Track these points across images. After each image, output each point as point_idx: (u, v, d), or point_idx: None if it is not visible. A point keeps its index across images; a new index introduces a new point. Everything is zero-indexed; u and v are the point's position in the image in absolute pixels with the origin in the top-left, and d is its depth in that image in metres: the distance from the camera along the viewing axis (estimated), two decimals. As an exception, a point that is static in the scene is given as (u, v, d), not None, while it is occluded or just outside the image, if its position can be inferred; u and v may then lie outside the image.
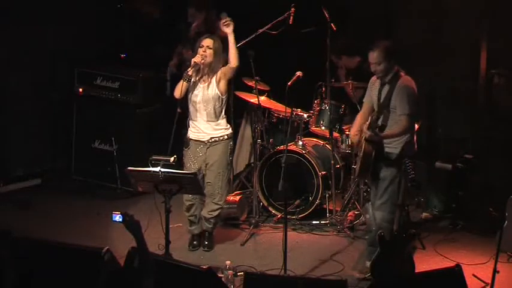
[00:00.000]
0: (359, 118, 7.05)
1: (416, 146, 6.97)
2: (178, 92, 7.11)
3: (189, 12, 8.64)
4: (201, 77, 7.19)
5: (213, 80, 7.17)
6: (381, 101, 6.78)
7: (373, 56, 6.73)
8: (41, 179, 9.08)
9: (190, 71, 7.06)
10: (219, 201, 7.41)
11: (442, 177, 8.40)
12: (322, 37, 8.02)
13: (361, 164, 6.83)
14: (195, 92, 7.20)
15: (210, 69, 7.15)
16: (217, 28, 7.61)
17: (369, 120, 6.75)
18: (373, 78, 6.96)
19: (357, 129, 6.97)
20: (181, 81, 7.08)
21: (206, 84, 7.19)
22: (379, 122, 6.72)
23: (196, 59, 7.06)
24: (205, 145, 7.28)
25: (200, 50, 7.09)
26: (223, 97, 7.22)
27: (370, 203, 7.19)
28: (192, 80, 7.09)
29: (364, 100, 7.13)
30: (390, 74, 6.75)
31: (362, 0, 9.15)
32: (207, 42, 7.09)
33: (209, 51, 7.07)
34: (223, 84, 7.19)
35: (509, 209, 7.21)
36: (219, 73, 7.17)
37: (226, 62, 7.19)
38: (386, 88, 6.79)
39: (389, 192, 6.77)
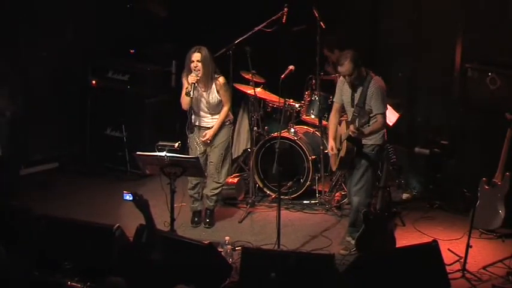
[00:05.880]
0: (333, 119, 7.00)
1: (386, 136, 6.95)
2: (184, 106, 7.19)
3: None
4: (201, 83, 7.15)
5: (213, 87, 7.17)
6: (355, 101, 6.73)
7: (344, 69, 6.64)
8: (58, 162, 9.05)
9: (189, 88, 7.03)
10: (219, 180, 7.40)
11: (421, 161, 8.40)
12: (312, 34, 7.97)
13: (342, 159, 6.80)
14: (198, 96, 7.18)
15: (206, 77, 7.10)
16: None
17: (356, 123, 6.66)
18: (341, 78, 6.90)
19: (334, 133, 6.91)
20: (183, 95, 7.11)
21: (207, 92, 7.18)
22: (357, 121, 6.64)
23: (192, 79, 7.02)
24: (210, 130, 7.27)
25: (192, 65, 7.05)
26: (221, 98, 7.24)
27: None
28: (192, 93, 7.04)
29: (334, 100, 7.07)
30: (362, 77, 6.70)
31: (350, 1, 9.10)
32: (196, 56, 7.04)
33: (199, 64, 7.03)
34: (220, 93, 7.19)
35: (481, 190, 7.22)
36: (218, 86, 7.16)
37: (215, 69, 7.18)
38: (359, 90, 6.72)
39: (364, 179, 6.77)
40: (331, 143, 6.92)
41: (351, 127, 6.56)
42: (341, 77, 6.94)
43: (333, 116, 7.02)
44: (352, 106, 6.77)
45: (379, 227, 6.58)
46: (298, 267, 5.71)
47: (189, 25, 9.21)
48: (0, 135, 7.63)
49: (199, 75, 7.04)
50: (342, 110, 7.03)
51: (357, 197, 6.80)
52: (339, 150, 6.86)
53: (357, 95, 6.72)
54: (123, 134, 8.83)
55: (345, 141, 6.72)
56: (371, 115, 6.63)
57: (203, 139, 7.25)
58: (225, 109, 7.28)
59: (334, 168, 7.23)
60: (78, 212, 7.33)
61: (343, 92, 6.87)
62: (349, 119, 6.80)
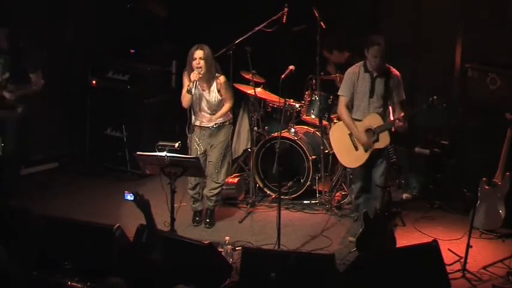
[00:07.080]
0: (345, 112, 6.96)
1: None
2: (185, 104, 7.17)
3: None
4: (202, 82, 7.14)
5: (213, 86, 7.16)
6: (380, 91, 6.77)
7: (381, 49, 6.69)
8: (58, 162, 9.05)
9: (191, 85, 7.02)
10: (218, 180, 7.39)
11: (421, 161, 8.40)
12: (312, 34, 7.97)
13: (377, 150, 6.86)
14: (198, 95, 7.17)
15: (208, 75, 7.09)
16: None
17: (398, 112, 6.78)
18: (354, 70, 6.92)
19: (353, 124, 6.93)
20: (184, 93, 7.09)
21: (207, 91, 7.17)
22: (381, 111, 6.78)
23: (194, 76, 7.00)
24: (210, 129, 7.28)
25: (194, 63, 7.03)
26: (223, 97, 7.22)
27: (356, 186, 7.18)
28: (193, 91, 7.04)
29: (341, 94, 7.02)
30: (385, 66, 6.77)
31: (350, 1, 9.10)
32: (198, 53, 7.02)
33: (202, 62, 7.01)
34: (222, 92, 7.18)
35: (481, 190, 7.22)
36: (218, 84, 7.15)
37: (217, 68, 7.16)
38: (381, 79, 6.77)
39: (387, 168, 6.92)
40: (358, 135, 6.89)
41: (396, 120, 6.69)
42: (352, 69, 6.94)
43: (344, 110, 6.97)
44: (371, 96, 6.81)
45: (379, 227, 6.58)
46: (298, 267, 5.70)
47: (189, 25, 9.21)
48: (6, 134, 7.62)
49: (202, 72, 7.04)
50: (351, 103, 7.05)
51: (379, 186, 6.82)
52: (375, 141, 6.87)
53: (379, 85, 6.78)
54: (123, 134, 8.83)
55: (386, 131, 6.79)
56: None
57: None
58: (228, 105, 7.27)
59: (359, 163, 7.03)
60: (78, 212, 7.33)
61: (358, 83, 6.87)
62: (370, 110, 6.84)
